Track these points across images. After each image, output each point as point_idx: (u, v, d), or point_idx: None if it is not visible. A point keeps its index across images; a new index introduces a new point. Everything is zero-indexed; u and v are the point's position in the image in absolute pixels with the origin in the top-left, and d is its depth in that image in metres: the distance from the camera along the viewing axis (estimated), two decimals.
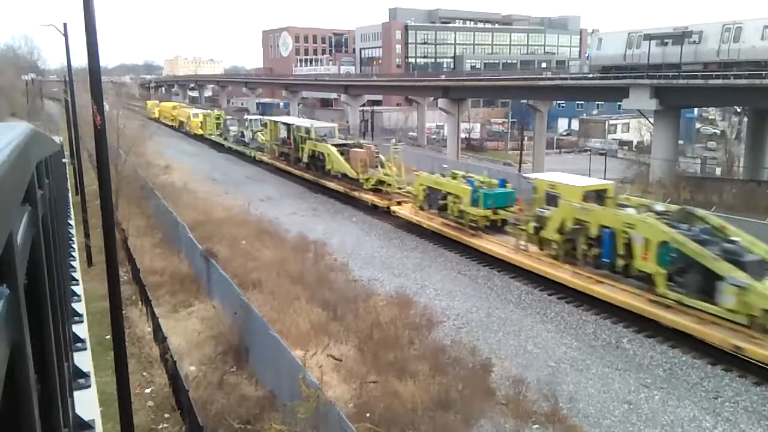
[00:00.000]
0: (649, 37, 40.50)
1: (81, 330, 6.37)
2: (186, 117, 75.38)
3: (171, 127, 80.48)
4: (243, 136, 55.65)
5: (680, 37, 38.52)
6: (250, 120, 57.29)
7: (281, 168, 44.91)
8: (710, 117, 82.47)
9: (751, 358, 14.77)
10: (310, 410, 11.20)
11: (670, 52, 39.32)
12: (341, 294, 19.90)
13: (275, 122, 47.39)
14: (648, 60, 40.29)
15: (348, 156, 35.26)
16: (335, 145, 37.25)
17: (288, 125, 44.44)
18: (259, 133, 51.60)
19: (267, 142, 48.03)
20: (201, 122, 67.54)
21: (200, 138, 72.71)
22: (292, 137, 42.51)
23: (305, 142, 39.84)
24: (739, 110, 57.43)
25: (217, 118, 64.70)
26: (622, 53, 42.70)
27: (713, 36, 36.94)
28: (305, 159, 40.06)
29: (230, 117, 65.57)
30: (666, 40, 39.79)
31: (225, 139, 59.17)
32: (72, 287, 7.70)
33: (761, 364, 14.71)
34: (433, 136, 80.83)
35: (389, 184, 32.73)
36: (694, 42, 37.95)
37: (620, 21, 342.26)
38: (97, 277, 17.98)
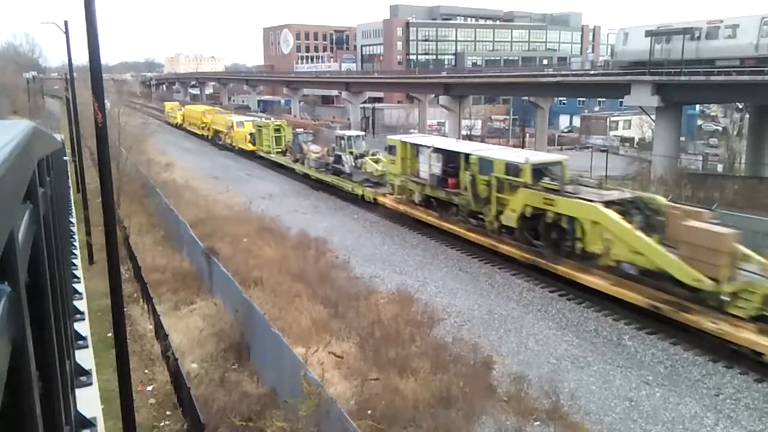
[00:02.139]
0: (681, 32, 38.41)
1: (82, 327, 6.39)
2: (225, 126, 58.67)
3: (201, 137, 67.08)
4: (339, 161, 36.87)
5: (715, 30, 36.65)
6: (348, 138, 37.64)
7: (429, 222, 27.88)
8: (712, 114, 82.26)
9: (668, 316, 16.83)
10: (312, 407, 11.22)
11: (704, 48, 37.34)
12: (342, 291, 19.92)
13: (413, 145, 29.55)
14: (682, 55, 38.15)
15: (670, 233, 17.79)
16: (607, 204, 19.26)
17: (449, 153, 26.84)
18: (369, 160, 35.17)
19: (393, 176, 30.94)
20: (251, 134, 51.42)
21: (201, 136, 67.30)
22: (459, 173, 25.64)
23: (510, 189, 22.40)
24: (740, 107, 57.28)
25: (278, 130, 48.11)
26: (650, 48, 40.78)
27: (751, 29, 34.90)
28: (512, 221, 22.23)
29: (302, 131, 47.83)
30: (697, 35, 37.68)
31: (297, 160, 42.84)
32: (73, 285, 7.71)
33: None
34: (435, 133, 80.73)
35: None
36: (729, 36, 36.10)
37: (620, 19, 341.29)
38: (99, 274, 17.99)
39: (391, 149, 31.04)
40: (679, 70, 38.59)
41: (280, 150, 46.88)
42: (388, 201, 31.32)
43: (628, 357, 16.35)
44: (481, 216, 25.05)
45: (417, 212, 28.97)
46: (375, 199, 32.25)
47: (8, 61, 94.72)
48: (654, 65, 40.45)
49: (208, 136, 65.05)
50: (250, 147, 51.26)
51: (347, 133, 40.21)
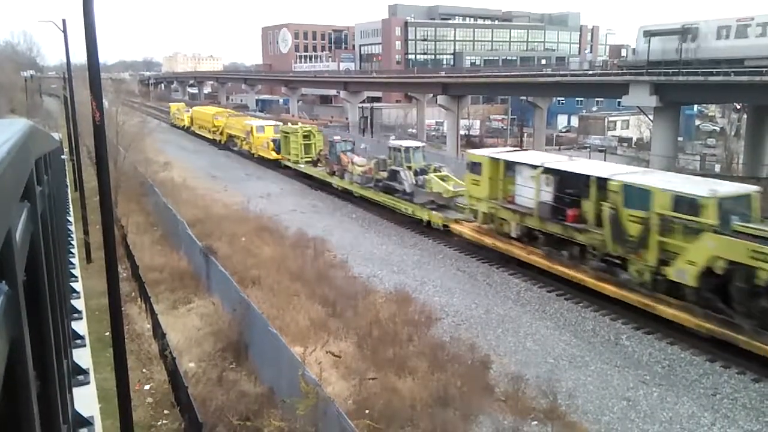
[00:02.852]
0: (721, 29, 36.41)
1: (80, 327, 6.38)
2: (242, 130, 52.19)
3: (212, 141, 61.28)
4: (395, 177, 30.13)
5: (744, 28, 35.22)
6: (405, 150, 30.23)
7: (533, 263, 22.08)
8: (710, 114, 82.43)
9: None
10: (309, 407, 11.22)
11: (739, 46, 35.61)
12: (341, 291, 19.92)
13: (508, 163, 23.73)
14: (721, 54, 36.36)
15: None
16: None
17: (569, 175, 20.91)
18: (435, 178, 28.39)
19: (476, 201, 24.96)
20: (274, 141, 45.58)
21: (211, 140, 61.57)
22: (585, 203, 19.96)
23: (685, 233, 16.46)
24: (738, 107, 57.41)
25: (307, 136, 41.51)
26: (676, 47, 38.90)
27: None
28: (689, 278, 16.24)
29: (339, 138, 39.33)
30: (725, 33, 36.10)
31: (334, 173, 36.18)
32: (71, 284, 7.70)
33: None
34: (433, 133, 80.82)
35: None
36: (760, 35, 34.58)
37: (621, 19, 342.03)
38: (96, 273, 17.97)
39: (474, 167, 24.71)
40: (677, 70, 38.66)
41: (309, 159, 40.63)
42: (466, 230, 25.40)
43: (626, 357, 16.38)
44: (619, 261, 18.68)
45: (513, 248, 22.83)
46: (446, 225, 26.67)
47: (6, 60, 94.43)
48: (684, 65, 38.22)
49: (220, 141, 58.82)
50: (273, 155, 45.08)
51: (404, 143, 31.78)
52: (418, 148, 31.26)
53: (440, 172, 29.14)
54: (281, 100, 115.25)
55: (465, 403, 13.32)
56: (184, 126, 73.94)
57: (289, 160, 42.43)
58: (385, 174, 30.85)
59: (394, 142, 33.98)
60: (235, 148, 54.42)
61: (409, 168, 29.50)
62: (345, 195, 35.63)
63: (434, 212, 27.62)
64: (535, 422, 13.14)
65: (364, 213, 32.57)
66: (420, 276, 22.69)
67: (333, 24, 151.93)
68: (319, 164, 39.56)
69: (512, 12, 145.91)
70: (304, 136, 41.56)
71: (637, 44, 43.88)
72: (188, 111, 75.75)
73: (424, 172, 29.06)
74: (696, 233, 15.95)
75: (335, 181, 36.14)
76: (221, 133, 58.49)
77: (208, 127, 62.77)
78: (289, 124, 46.63)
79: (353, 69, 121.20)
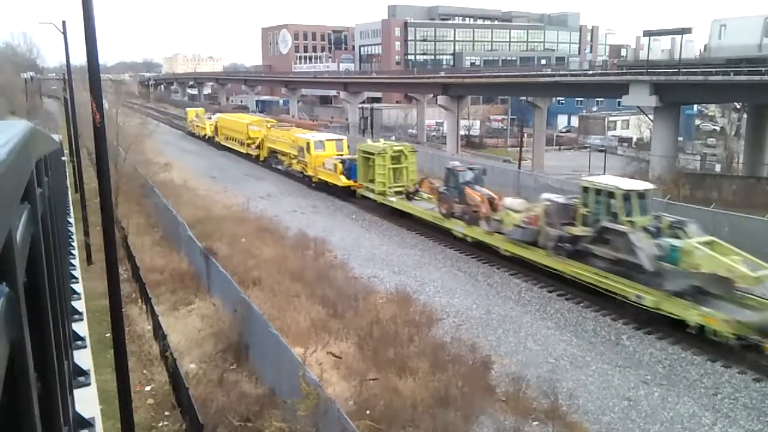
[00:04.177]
0: None
1: (81, 328, 6.38)
2: (293, 145, 41.36)
3: (246, 156, 51.58)
4: (609, 241, 18.82)
5: None
6: (625, 195, 18.90)
7: None
8: (710, 113, 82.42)
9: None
10: (310, 408, 11.22)
11: None
12: (341, 291, 19.91)
13: None
14: None
15: None
16: None
17: None
18: (701, 245, 16.89)
19: None
20: (345, 162, 35.04)
21: (225, 147, 56.11)
22: None
23: None
24: (738, 107, 57.40)
25: (397, 158, 31.36)
26: (757, 43, 35.54)
27: None
28: None
29: (458, 163, 28.62)
30: None
31: (452, 214, 26.15)
32: (72, 285, 7.70)
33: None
34: (433, 133, 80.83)
35: None
36: None
37: (620, 19, 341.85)
38: (97, 275, 17.96)
39: None
40: (676, 70, 38.66)
41: (399, 189, 30.76)
42: None
43: (627, 356, 16.37)
44: None
45: None
46: None
47: (6, 61, 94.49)
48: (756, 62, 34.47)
49: (258, 157, 48.93)
50: (342, 181, 34.40)
51: (621, 183, 19.85)
52: (646, 191, 19.45)
53: (687, 231, 17.94)
54: (281, 101, 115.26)
55: (466, 404, 13.31)
56: (205, 136, 64.18)
57: (370, 189, 31.95)
58: (581, 230, 19.83)
59: (602, 180, 20.78)
60: (281, 167, 44.79)
61: (631, 223, 18.44)
62: (345, 197, 35.24)
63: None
64: (536, 422, 13.13)
65: (365, 213, 32.54)
66: (421, 276, 22.69)
67: (333, 25, 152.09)
68: (414, 197, 29.96)
69: (512, 12, 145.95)
70: (393, 158, 31.11)
71: (710, 40, 39.80)
72: (211, 118, 64.95)
73: (657, 231, 18.36)
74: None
75: (460, 228, 25.54)
76: (259, 147, 48.82)
77: (239, 138, 52.48)
78: (369, 141, 35.69)
79: (353, 69, 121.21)
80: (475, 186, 25.71)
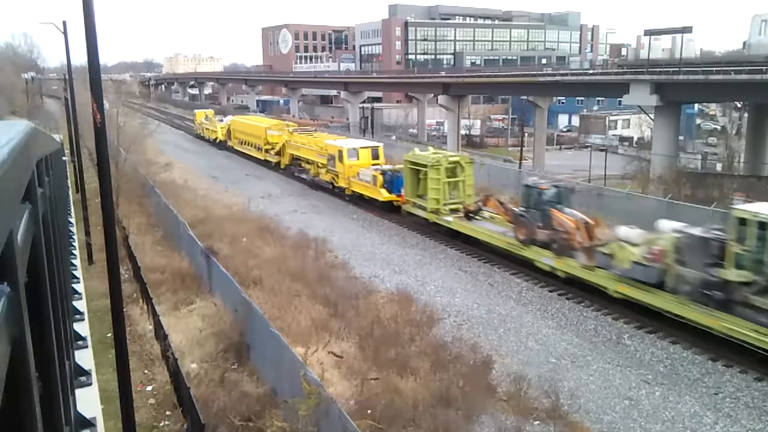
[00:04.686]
0: None
1: (82, 328, 6.39)
2: (321, 152, 37.27)
3: (262, 162, 47.87)
4: None
5: None
6: None
7: None
8: (711, 113, 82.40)
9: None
10: (311, 407, 11.22)
11: None
12: (342, 291, 19.91)
13: None
14: None
15: None
16: None
17: None
18: None
19: None
20: (386, 174, 31.13)
21: (239, 152, 52.82)
22: None
23: None
24: (739, 106, 57.37)
25: (453, 170, 27.12)
26: None
27: None
28: None
29: (536, 179, 25.57)
30: None
31: (533, 241, 22.17)
32: (73, 285, 7.71)
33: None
34: (434, 133, 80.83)
35: None
36: None
37: (621, 18, 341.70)
38: (98, 274, 17.99)
39: None
40: (677, 69, 38.62)
41: (456, 206, 26.71)
42: None
43: (628, 356, 16.36)
44: None
45: None
46: None
47: (7, 62, 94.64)
48: None
49: (277, 164, 45.35)
50: (383, 195, 30.53)
51: None
52: None
53: None
54: (282, 101, 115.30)
55: (467, 403, 13.31)
56: (216, 140, 60.10)
57: (419, 206, 27.86)
58: (739, 275, 15.55)
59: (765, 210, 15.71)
60: (305, 176, 40.63)
61: None
62: (341, 195, 35.21)
63: None
64: (538, 422, 13.12)
65: (365, 213, 32.53)
66: (421, 276, 22.69)
67: (333, 24, 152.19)
68: (474, 216, 25.90)
69: (512, 12, 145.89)
70: (449, 170, 26.91)
71: (750, 36, 37.68)
72: (222, 120, 60.99)
73: None
74: None
75: (548, 260, 21.17)
76: (280, 154, 44.88)
77: (256, 143, 48.78)
78: (416, 150, 30.14)
79: (353, 69, 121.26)
80: (563, 207, 21.44)
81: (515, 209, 23.46)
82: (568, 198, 22.12)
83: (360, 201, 33.61)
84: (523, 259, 22.47)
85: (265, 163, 47.33)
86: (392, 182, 30.54)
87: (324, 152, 36.62)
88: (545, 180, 24.96)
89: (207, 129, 63.78)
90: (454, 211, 26.62)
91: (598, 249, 19.39)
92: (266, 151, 46.64)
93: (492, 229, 24.52)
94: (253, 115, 68.53)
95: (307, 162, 39.81)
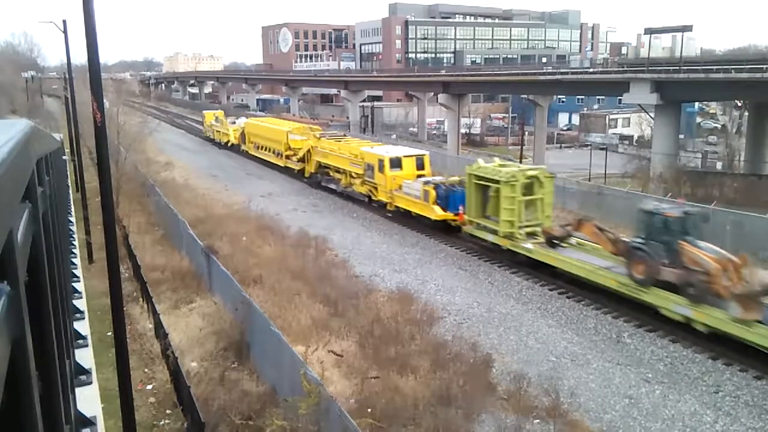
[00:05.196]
0: None
1: (82, 327, 6.39)
2: (354, 161, 33.11)
3: (282, 169, 43.66)
4: None
5: None
6: None
7: None
8: (711, 111, 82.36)
9: None
10: (312, 406, 11.23)
11: None
12: (342, 290, 19.91)
13: None
14: None
15: None
16: None
17: None
18: None
19: None
20: (436, 188, 27.03)
21: (253, 157, 48.78)
22: None
23: None
24: (739, 104, 57.34)
25: (530, 186, 23.00)
26: None
27: None
28: None
29: (682, 209, 18.53)
30: None
31: (657, 279, 17.64)
32: (73, 284, 7.71)
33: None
34: (434, 132, 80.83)
35: None
36: None
37: (621, 16, 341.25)
38: (98, 273, 17.98)
39: None
40: (677, 67, 38.62)
41: (531, 228, 22.84)
42: None
43: (628, 354, 16.37)
44: None
45: None
46: None
47: (7, 61, 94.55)
48: None
49: (302, 172, 40.67)
50: (438, 213, 26.51)
51: None
52: None
53: None
54: (282, 100, 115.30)
55: (467, 402, 13.32)
56: (227, 143, 56.44)
57: (489, 229, 23.70)
58: None
59: None
60: (334, 186, 37.01)
61: None
62: (345, 196, 35.54)
63: None
64: (537, 420, 13.13)
65: (365, 212, 32.53)
66: (421, 275, 22.69)
67: (333, 23, 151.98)
68: (560, 243, 21.91)
69: (513, 10, 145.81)
70: (526, 186, 22.79)
71: None
72: (235, 123, 57.20)
73: None
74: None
75: (682, 309, 16.77)
76: (304, 160, 40.39)
77: (275, 148, 44.39)
78: (480, 162, 25.37)
79: (354, 68, 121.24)
80: (694, 240, 17.27)
81: (627, 240, 19.16)
82: (699, 227, 17.83)
83: (355, 199, 33.56)
84: (640, 302, 18.12)
85: (272, 165, 45.62)
86: (447, 198, 26.52)
87: (359, 161, 32.60)
88: (669, 205, 20.34)
89: (217, 131, 60.08)
90: (531, 235, 22.65)
91: (761, 298, 15.12)
92: (287, 157, 42.36)
93: (590, 262, 20.23)
94: (270, 117, 63.10)
95: (337, 171, 35.70)
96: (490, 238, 23.66)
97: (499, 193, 22.80)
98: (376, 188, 31.32)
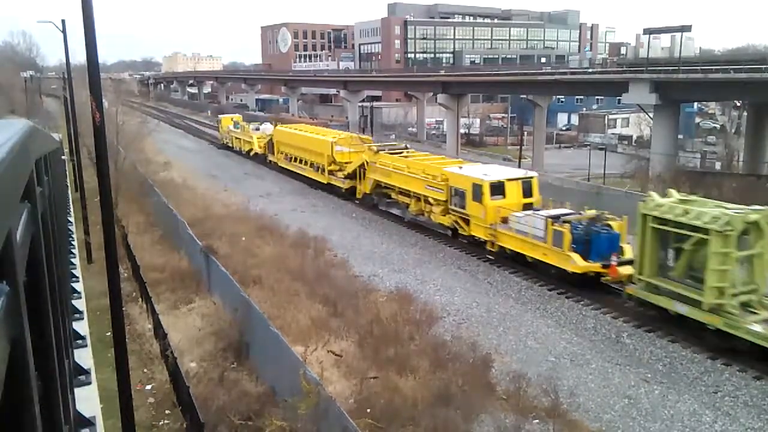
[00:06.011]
0: None
1: (81, 327, 6.39)
2: (431, 183, 26.43)
3: (319, 185, 38.09)
4: None
5: None
6: None
7: None
8: (710, 111, 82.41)
9: None
10: (311, 406, 11.22)
11: None
12: (341, 290, 19.90)
13: None
14: None
15: None
16: None
17: None
18: None
19: None
20: (574, 229, 19.84)
21: (284, 169, 42.94)
22: None
23: None
24: (738, 104, 57.40)
25: (750, 231, 15.31)
26: None
27: None
28: None
29: None
30: None
31: None
32: (72, 284, 7.71)
33: None
34: (433, 132, 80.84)
35: None
36: None
37: (620, 17, 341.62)
38: (97, 274, 17.96)
39: None
40: (676, 67, 38.65)
41: (749, 298, 15.73)
42: None
43: (627, 355, 16.37)
44: None
45: None
46: None
47: (6, 60, 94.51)
48: None
49: (354, 192, 34.45)
50: (578, 264, 19.58)
51: None
52: None
53: None
54: (281, 100, 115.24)
55: (466, 402, 13.32)
56: (250, 151, 50.44)
57: (673, 293, 16.71)
58: None
59: None
60: (399, 212, 30.63)
61: None
62: (345, 196, 35.42)
63: None
64: (537, 420, 13.13)
65: (364, 212, 32.51)
66: (421, 275, 22.68)
67: (332, 23, 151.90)
68: None
69: (512, 10, 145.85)
70: (742, 234, 15.53)
71: None
72: (258, 129, 51.19)
73: None
74: None
75: None
76: (355, 177, 34.04)
77: (315, 161, 38.00)
78: (654, 197, 17.54)
79: (353, 68, 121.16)
80: None
81: None
82: None
83: (355, 199, 33.53)
84: None
85: (266, 164, 45.28)
86: (590, 242, 19.81)
87: (440, 183, 25.87)
88: None
89: (237, 138, 53.64)
90: (746, 306, 15.67)
91: None
92: (331, 172, 36.00)
93: None
94: (306, 124, 54.38)
95: (404, 194, 29.13)
96: (682, 309, 16.43)
97: (707, 248, 15.51)
98: (466, 220, 24.84)
